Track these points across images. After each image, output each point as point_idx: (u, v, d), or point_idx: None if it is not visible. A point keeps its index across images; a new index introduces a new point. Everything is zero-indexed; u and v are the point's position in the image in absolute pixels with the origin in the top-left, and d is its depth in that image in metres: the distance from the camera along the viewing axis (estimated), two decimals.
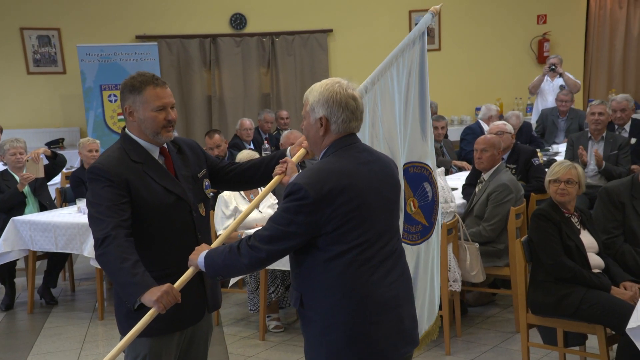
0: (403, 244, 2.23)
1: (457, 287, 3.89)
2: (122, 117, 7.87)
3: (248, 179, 2.41)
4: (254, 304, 4.36)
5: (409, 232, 2.66)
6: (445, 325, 3.78)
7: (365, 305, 1.92)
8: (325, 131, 2.00)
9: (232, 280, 4.11)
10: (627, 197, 3.39)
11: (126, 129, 2.23)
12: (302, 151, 2.29)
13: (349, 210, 1.89)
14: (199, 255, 2.04)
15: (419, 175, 2.66)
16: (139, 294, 1.99)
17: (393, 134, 2.55)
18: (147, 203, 2.11)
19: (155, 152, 2.21)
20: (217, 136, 5.85)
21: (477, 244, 4.06)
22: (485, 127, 6.68)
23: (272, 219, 1.93)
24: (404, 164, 2.65)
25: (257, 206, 2.40)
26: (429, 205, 2.71)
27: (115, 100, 7.99)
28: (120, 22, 8.67)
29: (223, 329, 4.38)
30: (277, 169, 2.24)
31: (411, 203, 2.64)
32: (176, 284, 2.04)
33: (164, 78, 9.58)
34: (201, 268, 2.04)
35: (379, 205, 1.97)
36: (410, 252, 2.64)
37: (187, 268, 2.11)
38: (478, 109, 8.06)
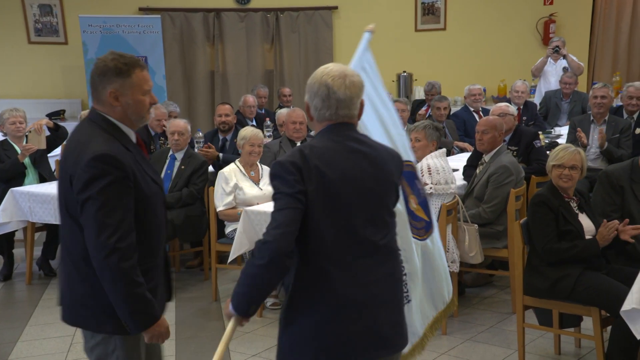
0: (414, 240, 2.18)
1: (455, 267, 3.90)
2: None
3: None
4: None
5: (417, 228, 2.66)
6: None
7: (327, 303, 1.82)
8: (311, 118, 1.96)
9: (231, 256, 4.11)
10: (627, 181, 3.38)
11: (104, 114, 2.03)
12: None
13: (315, 192, 1.80)
14: (228, 304, 1.88)
15: (410, 173, 2.62)
16: (148, 325, 1.97)
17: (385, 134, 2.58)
18: (144, 196, 2.00)
19: (133, 139, 2.09)
20: (228, 106, 6.01)
21: (476, 225, 4.06)
22: (470, 108, 6.70)
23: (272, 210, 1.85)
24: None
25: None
26: (424, 202, 2.71)
27: None
28: None
29: (220, 304, 4.40)
30: None
31: (412, 200, 2.63)
32: (220, 347, 1.95)
33: (166, 52, 9.49)
34: (236, 313, 1.86)
35: (356, 196, 1.85)
36: (421, 247, 2.66)
37: (166, 256, 2.08)
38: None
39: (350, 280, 1.84)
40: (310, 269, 1.84)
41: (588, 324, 3.23)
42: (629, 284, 2.73)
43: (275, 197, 1.83)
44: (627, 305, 2.65)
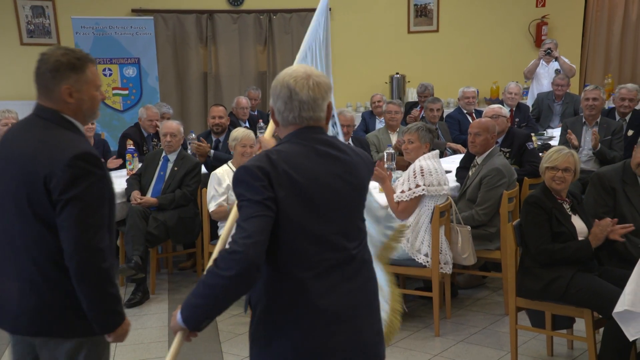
0: None
1: (448, 269, 3.91)
2: (116, 91, 8.00)
3: None
4: None
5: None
6: (435, 307, 3.81)
7: (307, 318, 1.73)
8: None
9: None
10: (619, 183, 3.39)
11: (57, 110, 1.94)
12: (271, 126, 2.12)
13: (285, 198, 1.69)
14: (177, 315, 1.74)
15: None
16: (119, 324, 1.94)
17: None
18: (112, 195, 1.96)
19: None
20: (221, 107, 6.02)
21: (469, 227, 4.07)
22: (464, 110, 6.75)
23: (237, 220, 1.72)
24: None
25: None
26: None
27: (110, 74, 7.91)
28: None
29: None
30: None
31: None
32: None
33: (159, 53, 9.45)
34: (184, 326, 1.72)
35: (329, 202, 1.75)
36: None
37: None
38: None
39: (329, 292, 1.74)
40: (284, 281, 1.73)
41: (580, 325, 3.24)
42: (621, 285, 2.75)
43: (240, 205, 1.69)
44: (619, 307, 2.66)
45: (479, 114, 6.33)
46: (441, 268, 3.85)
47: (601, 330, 3.13)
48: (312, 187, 1.74)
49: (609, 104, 6.63)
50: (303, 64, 2.46)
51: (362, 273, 1.83)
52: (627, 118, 5.65)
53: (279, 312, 1.75)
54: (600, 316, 3.06)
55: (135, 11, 8.59)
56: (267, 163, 1.71)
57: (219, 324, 4.06)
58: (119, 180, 5.06)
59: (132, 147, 5.39)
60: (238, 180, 1.72)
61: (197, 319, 1.71)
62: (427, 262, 3.80)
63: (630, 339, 2.75)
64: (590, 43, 9.31)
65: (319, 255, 1.74)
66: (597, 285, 3.02)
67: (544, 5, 9.24)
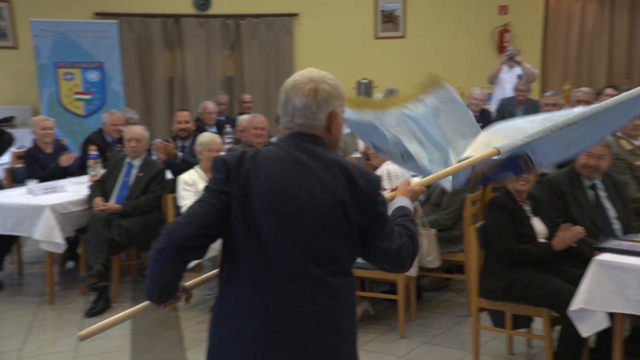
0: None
1: (413, 272, 3.95)
2: (78, 96, 7.86)
3: None
4: (211, 289, 4.32)
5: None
6: (401, 310, 3.85)
7: (229, 325, 1.68)
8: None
9: (191, 264, 4.05)
10: (567, 187, 3.47)
11: None
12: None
13: (239, 198, 1.65)
14: None
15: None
16: None
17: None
18: None
19: None
20: (186, 112, 6.03)
21: (434, 230, 4.12)
22: None
23: None
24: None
25: None
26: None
27: (72, 79, 7.77)
28: None
29: (178, 313, 4.34)
30: None
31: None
32: (117, 317, 1.85)
33: (124, 57, 9.36)
34: (146, 295, 1.72)
35: (286, 211, 1.64)
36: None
37: None
38: None
39: (260, 307, 1.64)
40: (228, 287, 1.70)
41: (538, 324, 3.31)
42: (577, 284, 2.81)
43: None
44: (574, 306, 2.74)
45: None
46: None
47: (558, 328, 3.19)
48: (272, 193, 1.65)
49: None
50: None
51: (313, 298, 1.64)
52: None
53: (215, 320, 1.73)
54: (557, 315, 3.12)
55: (99, 14, 8.47)
56: (235, 159, 1.70)
57: (183, 331, 4.02)
58: (81, 187, 4.97)
59: (94, 152, 5.31)
60: (211, 169, 1.75)
61: (147, 290, 1.69)
62: None
63: (584, 336, 2.84)
64: (549, 50, 9.55)
65: (261, 268, 1.64)
66: (555, 285, 3.09)
67: (506, 13, 9.44)
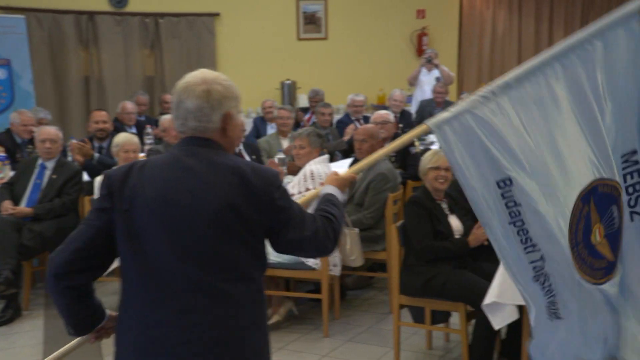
0: (583, 282, 1.84)
1: (337, 271, 3.99)
2: None
3: None
4: None
5: (592, 268, 2.01)
6: (324, 309, 3.88)
7: (127, 345, 1.65)
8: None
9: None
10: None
11: None
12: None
13: (125, 213, 1.61)
14: None
15: (609, 197, 2.00)
16: None
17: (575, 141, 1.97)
18: None
19: None
20: (103, 112, 5.90)
21: (357, 229, 4.18)
22: (352, 117, 6.91)
23: None
24: (593, 181, 1.97)
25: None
26: (614, 235, 2.04)
27: None
28: None
29: None
30: None
31: (597, 231, 2.01)
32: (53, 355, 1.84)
33: (33, 55, 8.84)
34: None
35: (173, 219, 1.59)
36: (591, 292, 2.00)
37: None
38: None
39: (151, 323, 1.60)
40: (123, 305, 1.67)
41: (456, 319, 3.42)
42: (490, 279, 2.94)
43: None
44: (487, 300, 2.87)
45: (367, 120, 6.53)
46: (330, 270, 3.92)
47: (473, 321, 3.31)
48: (157, 203, 1.60)
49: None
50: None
51: (216, 307, 1.60)
52: None
53: (116, 335, 1.70)
54: (472, 309, 3.25)
55: (3, 8, 8.00)
56: (120, 173, 1.66)
57: None
58: None
59: (2, 154, 5.03)
60: None
61: (64, 324, 1.72)
62: (317, 264, 3.86)
63: (496, 328, 2.98)
64: (464, 54, 9.96)
65: (157, 281, 1.59)
66: (470, 281, 3.22)
67: (423, 17, 9.74)
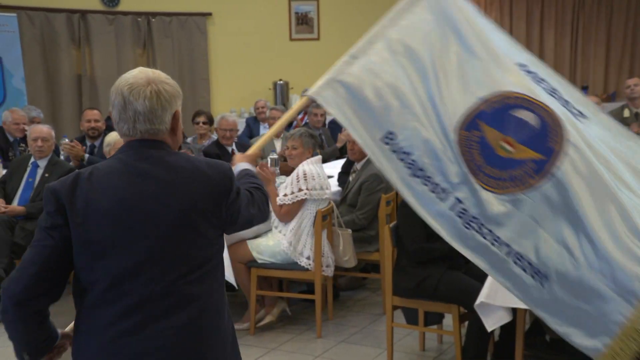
0: (499, 198, 1.84)
1: (330, 272, 4.01)
2: None
3: None
4: None
5: (519, 179, 1.94)
6: (318, 309, 3.90)
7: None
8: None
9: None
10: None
11: None
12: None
13: (79, 227, 1.54)
14: None
15: (501, 108, 2.00)
16: None
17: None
18: None
19: None
20: (96, 111, 5.83)
21: (350, 230, 4.20)
22: None
23: None
24: (473, 107, 2.03)
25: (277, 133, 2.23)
26: (539, 134, 1.96)
27: None
28: None
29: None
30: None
31: (504, 144, 1.99)
32: None
33: (25, 53, 8.76)
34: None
35: (135, 227, 1.55)
36: (522, 204, 1.91)
37: None
38: None
39: (131, 333, 1.55)
40: (85, 320, 1.60)
41: (449, 320, 3.44)
42: (483, 281, 2.97)
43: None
44: (479, 300, 2.89)
45: None
46: (323, 271, 3.94)
47: (466, 323, 3.34)
48: (117, 212, 1.54)
49: None
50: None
51: (179, 313, 1.57)
52: None
53: (75, 349, 1.62)
54: (465, 311, 3.28)
55: None
56: (67, 185, 1.56)
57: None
58: None
59: None
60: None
61: (17, 352, 1.63)
62: (310, 265, 3.88)
63: (489, 329, 3.00)
64: None
65: (121, 290, 1.54)
66: (463, 282, 3.24)
67: None
